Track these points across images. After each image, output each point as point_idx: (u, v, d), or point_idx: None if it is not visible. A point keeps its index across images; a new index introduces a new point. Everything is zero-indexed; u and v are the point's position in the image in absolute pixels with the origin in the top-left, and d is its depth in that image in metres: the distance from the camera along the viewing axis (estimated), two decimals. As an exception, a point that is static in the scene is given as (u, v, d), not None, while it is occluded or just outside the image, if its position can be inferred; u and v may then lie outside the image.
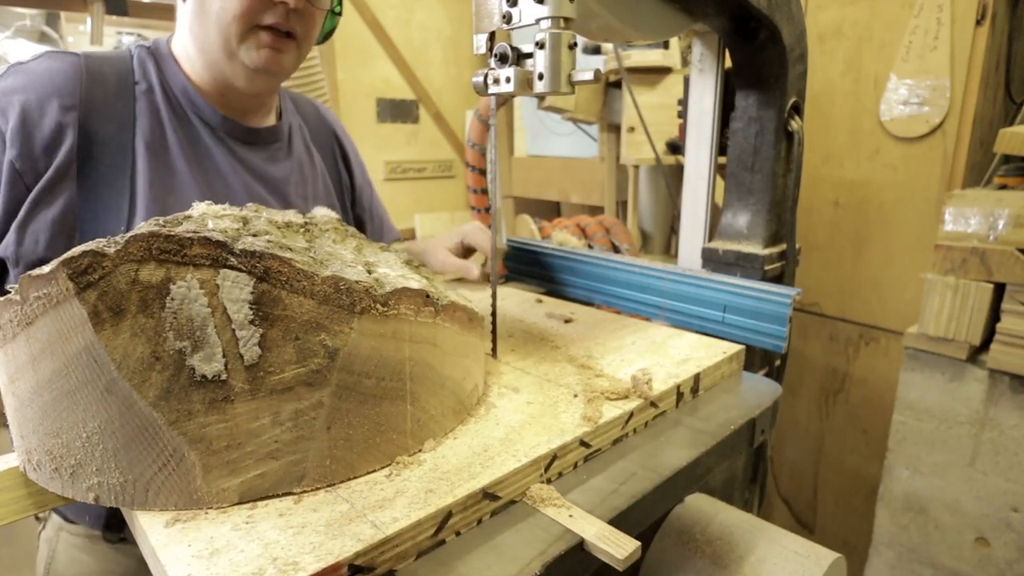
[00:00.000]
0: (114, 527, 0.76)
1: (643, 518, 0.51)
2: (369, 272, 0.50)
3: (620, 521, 0.47)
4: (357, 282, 0.45)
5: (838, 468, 1.69)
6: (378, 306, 0.46)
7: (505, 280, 1.15)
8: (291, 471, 0.45)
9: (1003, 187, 1.21)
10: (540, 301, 0.93)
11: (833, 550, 0.52)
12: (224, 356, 0.42)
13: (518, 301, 0.94)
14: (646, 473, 0.53)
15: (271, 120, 0.89)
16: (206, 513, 0.43)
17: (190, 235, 0.41)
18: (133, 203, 0.72)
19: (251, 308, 0.42)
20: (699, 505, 0.58)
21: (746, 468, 0.75)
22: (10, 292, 0.42)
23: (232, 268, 0.42)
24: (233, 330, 0.42)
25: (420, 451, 0.51)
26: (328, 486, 0.46)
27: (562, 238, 1.13)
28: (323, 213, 0.86)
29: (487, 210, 1.47)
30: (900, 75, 1.43)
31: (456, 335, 0.54)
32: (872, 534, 1.33)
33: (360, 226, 1.05)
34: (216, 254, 0.42)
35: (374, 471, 0.48)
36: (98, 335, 0.40)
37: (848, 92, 1.53)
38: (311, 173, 0.93)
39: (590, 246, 1.61)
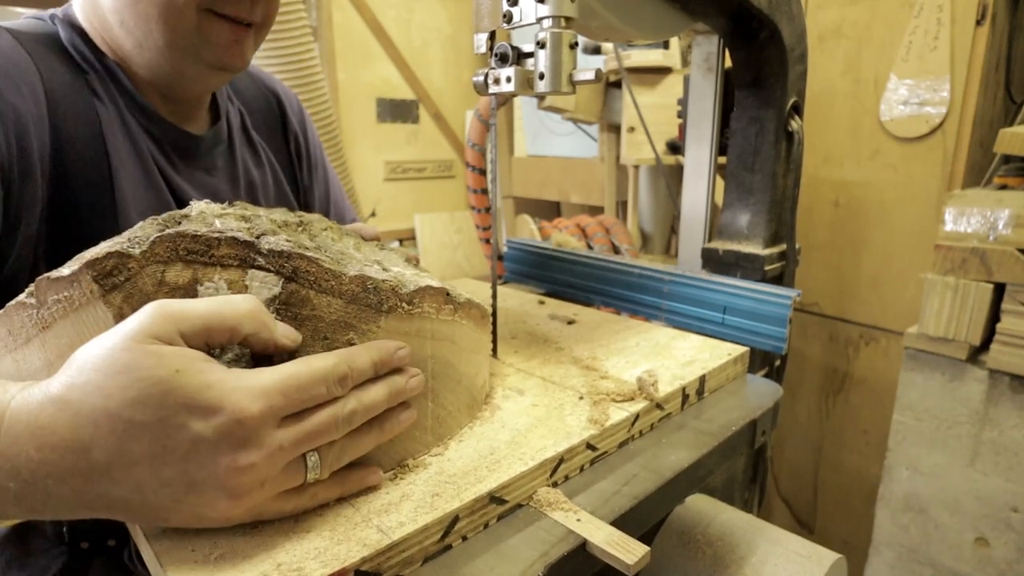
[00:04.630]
0: (72, 574, 0.68)
1: (645, 519, 0.51)
2: (385, 270, 0.49)
3: (622, 522, 0.47)
4: (383, 281, 0.45)
5: (838, 468, 1.69)
6: (404, 304, 0.46)
7: (504, 281, 1.15)
8: None
9: (1003, 187, 1.21)
10: (542, 303, 0.93)
11: (833, 550, 0.52)
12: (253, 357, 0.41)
13: (520, 302, 0.94)
14: (648, 474, 0.53)
15: (205, 116, 0.75)
16: None
17: (217, 235, 0.41)
18: (117, 215, 0.62)
19: (280, 308, 0.42)
20: (700, 506, 0.58)
21: (746, 469, 0.75)
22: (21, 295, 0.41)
23: (260, 268, 0.41)
24: None
25: (437, 448, 0.51)
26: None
27: (561, 239, 1.13)
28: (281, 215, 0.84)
29: (487, 210, 1.47)
30: (900, 75, 1.42)
31: (471, 332, 0.54)
32: (872, 534, 1.33)
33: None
34: (244, 254, 0.41)
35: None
36: None
37: (848, 92, 1.53)
38: (259, 173, 0.81)
39: (590, 246, 1.61)
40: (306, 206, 0.92)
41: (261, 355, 0.41)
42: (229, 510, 0.36)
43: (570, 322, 0.83)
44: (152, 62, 0.64)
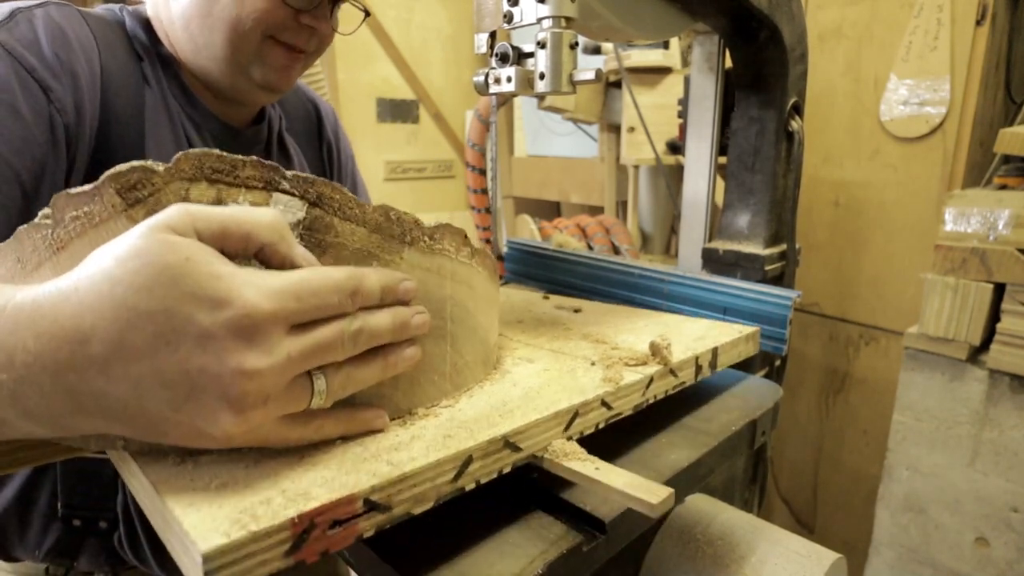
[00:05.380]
0: (65, 552, 0.69)
1: (644, 518, 0.51)
2: None
3: (621, 521, 0.47)
4: (406, 213, 0.45)
5: (838, 468, 1.69)
6: (426, 238, 0.46)
7: (504, 281, 1.15)
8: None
9: (1003, 187, 1.21)
10: (547, 297, 0.93)
11: (833, 550, 0.52)
12: None
13: (524, 297, 0.94)
14: (647, 473, 0.53)
15: (249, 116, 0.80)
16: (210, 454, 0.40)
17: (242, 157, 0.40)
18: None
19: (303, 234, 0.41)
20: (700, 505, 0.58)
21: (746, 468, 0.75)
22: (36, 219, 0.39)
23: (284, 192, 0.41)
24: None
25: (448, 401, 0.49)
26: None
27: (561, 239, 1.13)
28: None
29: (487, 210, 1.47)
30: (900, 75, 1.43)
31: (486, 281, 0.53)
32: (872, 534, 1.33)
33: None
34: (269, 177, 0.41)
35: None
36: None
37: (848, 92, 1.53)
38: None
39: (590, 246, 1.61)
40: None
41: None
42: (230, 425, 0.34)
43: (576, 310, 0.83)
44: (206, 68, 0.69)
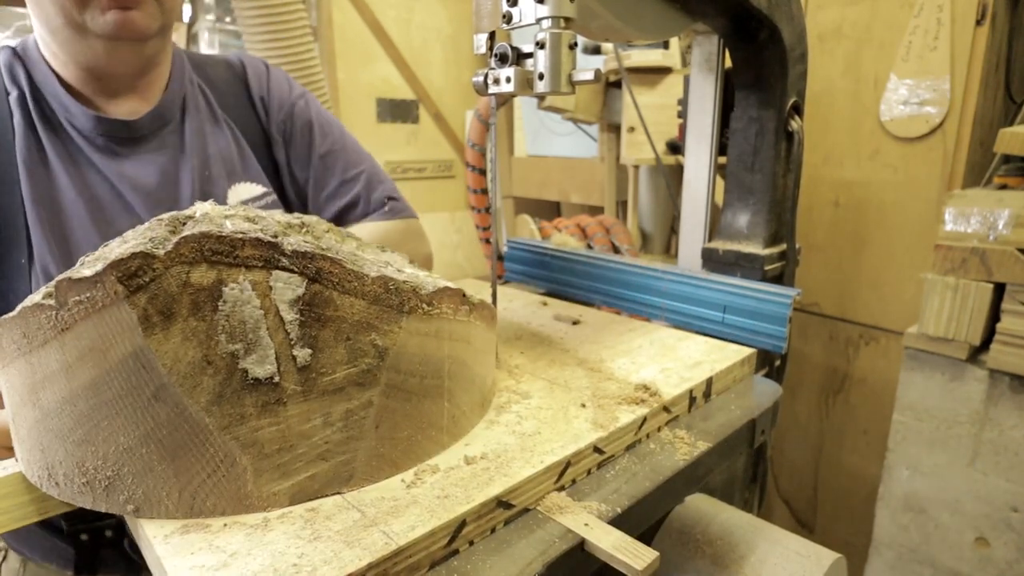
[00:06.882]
0: (85, 567, 0.71)
1: (643, 518, 0.51)
2: (399, 271, 0.50)
3: (620, 521, 0.47)
4: (404, 282, 0.45)
5: (838, 468, 1.69)
6: (424, 305, 0.46)
7: (504, 281, 1.15)
8: (340, 472, 0.45)
9: (1003, 187, 1.21)
10: (545, 304, 0.93)
11: (833, 550, 0.52)
12: (277, 358, 0.41)
13: (523, 303, 0.94)
14: (646, 473, 0.53)
15: (157, 98, 0.76)
16: (217, 521, 0.42)
17: (241, 235, 0.41)
18: (28, 226, 0.66)
19: (303, 309, 0.42)
20: (699, 505, 0.58)
21: (746, 468, 0.75)
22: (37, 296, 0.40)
23: (284, 269, 0.42)
24: (286, 332, 0.41)
25: (447, 449, 0.51)
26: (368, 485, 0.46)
27: (561, 239, 1.13)
28: (246, 190, 0.82)
29: (487, 210, 1.47)
30: (900, 75, 1.42)
31: (484, 332, 0.54)
32: (872, 534, 1.33)
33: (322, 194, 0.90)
34: (268, 255, 0.41)
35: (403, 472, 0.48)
36: (148, 340, 0.39)
37: (848, 92, 1.53)
38: (224, 147, 0.81)
39: (590, 246, 1.61)
40: (290, 163, 0.90)
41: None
42: None
43: (575, 323, 0.83)
44: (65, 43, 0.67)
